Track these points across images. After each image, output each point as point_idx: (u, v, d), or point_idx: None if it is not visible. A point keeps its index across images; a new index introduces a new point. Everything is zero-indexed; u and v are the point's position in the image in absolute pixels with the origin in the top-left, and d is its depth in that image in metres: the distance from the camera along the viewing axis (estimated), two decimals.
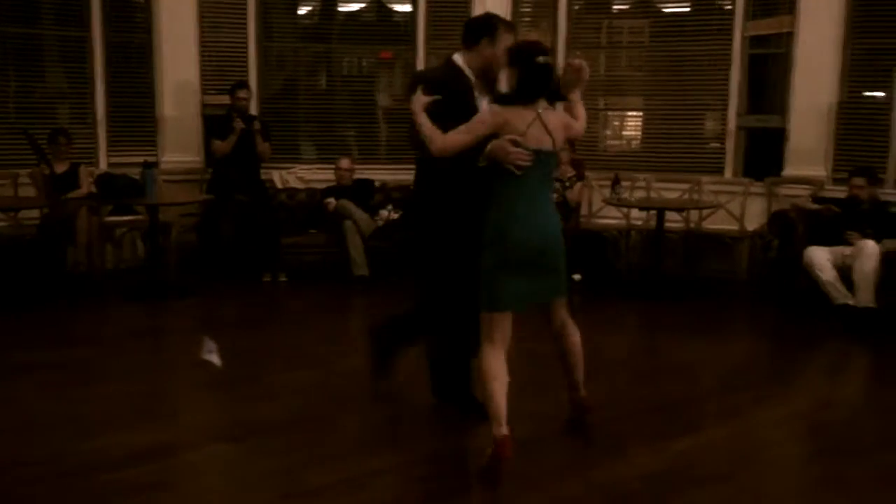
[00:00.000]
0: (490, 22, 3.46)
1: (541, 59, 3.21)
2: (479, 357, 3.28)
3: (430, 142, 3.22)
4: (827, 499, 3.11)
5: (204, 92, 7.30)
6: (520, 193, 3.21)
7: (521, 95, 3.23)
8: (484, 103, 3.41)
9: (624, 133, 8.22)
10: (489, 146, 3.16)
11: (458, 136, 3.19)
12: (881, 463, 3.42)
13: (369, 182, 6.98)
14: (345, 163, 6.92)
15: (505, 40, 3.39)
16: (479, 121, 3.22)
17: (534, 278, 3.26)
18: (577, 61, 3.51)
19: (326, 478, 3.15)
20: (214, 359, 4.80)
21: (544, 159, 3.25)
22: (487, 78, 3.43)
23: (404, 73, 7.71)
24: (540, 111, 3.23)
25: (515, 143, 3.14)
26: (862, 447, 3.60)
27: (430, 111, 3.25)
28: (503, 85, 3.31)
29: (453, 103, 3.31)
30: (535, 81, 3.23)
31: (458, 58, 3.48)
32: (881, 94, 6.57)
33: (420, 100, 3.27)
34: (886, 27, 6.39)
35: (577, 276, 6.63)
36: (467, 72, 3.45)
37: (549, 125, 3.24)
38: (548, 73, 3.26)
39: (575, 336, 3.52)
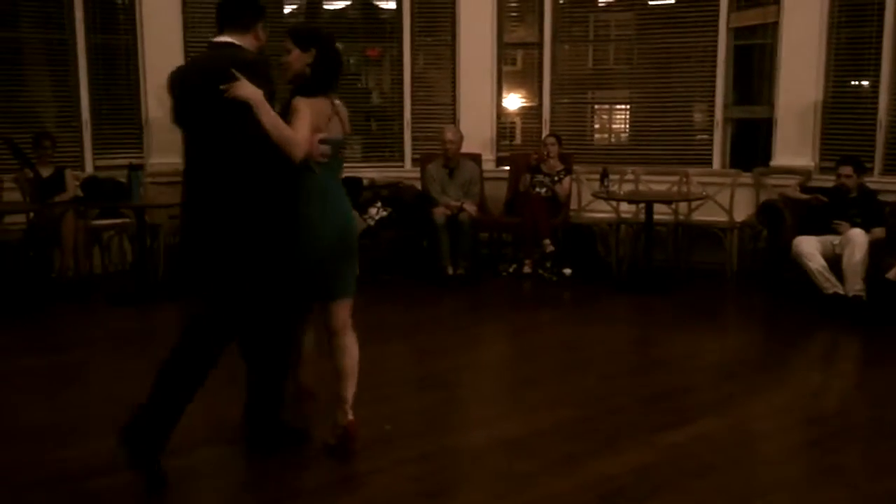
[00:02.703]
0: (261, 7, 3.14)
1: (339, 45, 3.15)
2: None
3: (293, 143, 2.91)
4: (822, 488, 3.11)
5: None
6: (320, 184, 3.11)
7: (324, 84, 3.11)
8: None
9: (612, 126, 8.22)
10: None
11: (304, 133, 2.96)
12: (875, 451, 3.44)
13: (357, 180, 6.96)
14: None
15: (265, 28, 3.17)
16: (304, 115, 3.00)
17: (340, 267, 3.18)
18: None
19: (320, 478, 3.14)
20: None
21: (339, 148, 3.19)
22: None
23: (392, 70, 7.70)
24: (335, 102, 3.16)
25: (321, 140, 3.05)
26: (855, 436, 3.61)
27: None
28: (287, 70, 3.14)
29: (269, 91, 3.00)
30: (334, 68, 3.14)
31: (233, 39, 3.06)
32: (866, 83, 6.59)
33: (252, 89, 2.88)
34: (871, 16, 6.41)
35: (567, 271, 6.64)
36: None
37: (341, 114, 3.18)
38: (341, 62, 3.21)
39: (354, 347, 3.26)
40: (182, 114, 3.09)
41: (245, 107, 2.88)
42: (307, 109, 3.01)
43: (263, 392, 3.34)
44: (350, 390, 3.24)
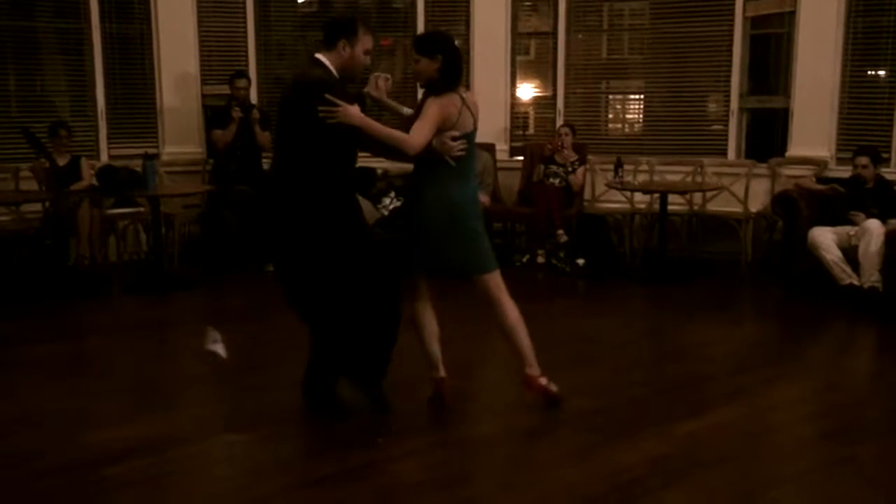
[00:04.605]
0: (349, 24, 3.45)
1: (457, 42, 3.43)
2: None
3: (404, 143, 3.28)
4: (837, 479, 3.10)
5: (204, 82, 7.28)
6: (453, 174, 3.41)
7: (450, 82, 3.38)
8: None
9: (626, 116, 8.18)
10: (434, 143, 3.33)
11: (425, 132, 3.30)
12: (890, 442, 3.42)
13: (370, 170, 6.96)
14: None
15: (364, 42, 3.44)
16: (433, 113, 3.32)
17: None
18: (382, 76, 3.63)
19: (333, 467, 3.15)
20: (219, 349, 4.80)
21: (470, 140, 3.44)
22: (345, 77, 3.46)
23: (405, 60, 7.69)
24: (463, 95, 3.40)
25: (453, 137, 3.34)
26: (870, 428, 3.60)
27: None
28: (419, 77, 3.46)
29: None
30: (458, 67, 3.41)
31: (322, 57, 3.44)
32: (884, 72, 6.53)
33: (353, 109, 3.26)
34: (889, 5, 6.34)
35: (581, 261, 6.62)
36: (333, 71, 3.43)
37: (471, 107, 3.42)
38: (461, 57, 3.49)
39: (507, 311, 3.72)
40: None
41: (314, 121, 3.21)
42: (435, 110, 3.32)
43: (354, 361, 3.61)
44: (519, 348, 3.61)
